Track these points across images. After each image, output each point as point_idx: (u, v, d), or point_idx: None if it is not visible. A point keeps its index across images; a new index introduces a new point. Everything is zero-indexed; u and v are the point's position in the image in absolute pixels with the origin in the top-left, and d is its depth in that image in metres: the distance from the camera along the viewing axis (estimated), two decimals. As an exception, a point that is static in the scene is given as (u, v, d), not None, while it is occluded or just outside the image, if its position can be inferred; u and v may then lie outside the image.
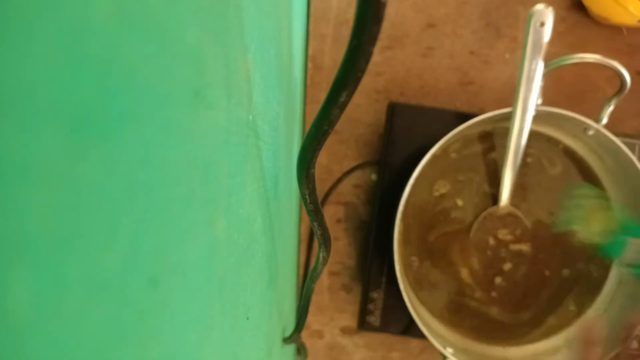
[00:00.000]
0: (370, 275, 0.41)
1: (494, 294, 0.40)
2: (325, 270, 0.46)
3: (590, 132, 0.35)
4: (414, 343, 0.45)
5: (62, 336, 0.08)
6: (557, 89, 0.43)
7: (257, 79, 0.21)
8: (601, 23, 0.43)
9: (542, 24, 0.30)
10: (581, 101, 0.44)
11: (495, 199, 0.39)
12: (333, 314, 0.46)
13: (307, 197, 0.17)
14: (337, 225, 0.45)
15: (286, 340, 0.35)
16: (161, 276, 0.12)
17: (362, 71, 0.11)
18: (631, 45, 0.43)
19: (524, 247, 0.40)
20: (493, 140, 0.39)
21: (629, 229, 0.34)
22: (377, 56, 0.44)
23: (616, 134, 0.34)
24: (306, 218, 0.33)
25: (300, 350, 0.41)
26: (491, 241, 0.40)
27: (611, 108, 0.34)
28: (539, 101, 0.34)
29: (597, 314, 0.39)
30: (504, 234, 0.39)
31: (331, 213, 0.45)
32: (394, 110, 0.40)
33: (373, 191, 0.45)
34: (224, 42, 0.16)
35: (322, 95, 0.27)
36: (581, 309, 0.40)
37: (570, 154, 0.39)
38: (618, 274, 0.39)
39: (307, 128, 0.14)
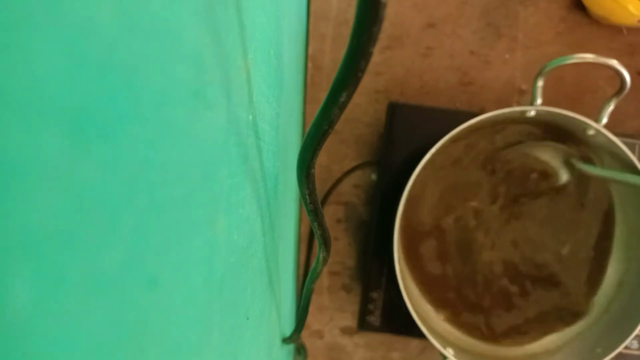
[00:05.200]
0: (370, 275, 0.41)
1: (494, 292, 0.40)
2: (325, 270, 0.46)
3: (590, 132, 0.35)
4: (414, 343, 0.45)
5: (62, 336, 0.08)
6: (557, 89, 0.43)
7: (257, 79, 0.21)
8: (601, 23, 0.43)
9: None
10: (581, 101, 0.44)
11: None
12: (333, 313, 0.46)
13: (307, 197, 0.17)
14: (337, 225, 0.45)
15: (286, 340, 0.35)
16: (161, 276, 0.12)
17: (362, 71, 0.11)
18: (631, 45, 0.43)
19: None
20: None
21: None
22: (377, 56, 0.44)
23: (616, 134, 0.34)
24: (306, 218, 0.33)
25: (300, 350, 0.41)
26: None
27: (611, 108, 0.34)
28: (539, 101, 0.34)
29: (597, 313, 0.39)
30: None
31: (331, 213, 0.45)
32: (394, 110, 0.40)
33: (373, 191, 0.45)
34: (224, 42, 0.16)
35: (322, 95, 0.27)
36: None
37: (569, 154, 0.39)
38: (618, 274, 0.39)
39: (307, 128, 0.14)
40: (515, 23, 0.44)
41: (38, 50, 0.07)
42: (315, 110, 0.13)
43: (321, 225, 0.19)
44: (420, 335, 0.35)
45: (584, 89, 0.44)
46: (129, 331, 0.10)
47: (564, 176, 0.38)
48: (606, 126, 0.34)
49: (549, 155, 0.38)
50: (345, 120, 0.45)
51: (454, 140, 0.34)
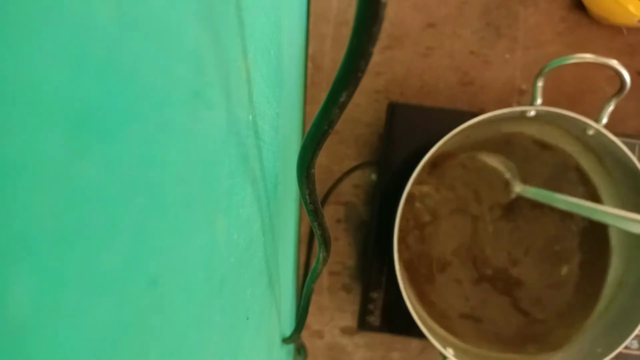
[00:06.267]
0: (370, 275, 0.41)
1: (494, 291, 0.40)
2: (325, 270, 0.46)
3: (590, 132, 0.35)
4: (414, 343, 0.45)
5: (62, 336, 0.08)
6: (557, 89, 0.43)
7: (257, 79, 0.21)
8: (601, 23, 0.43)
9: None
10: (581, 101, 0.44)
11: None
12: (333, 314, 0.46)
13: (307, 197, 0.17)
14: (337, 225, 0.45)
15: (286, 340, 0.35)
16: (161, 276, 0.12)
17: (362, 71, 0.11)
18: (631, 45, 0.43)
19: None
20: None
21: None
22: (377, 56, 0.44)
23: (616, 134, 0.34)
24: (306, 218, 0.33)
25: (300, 350, 0.41)
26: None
27: (611, 108, 0.34)
28: (539, 101, 0.34)
29: (597, 313, 0.39)
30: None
31: (331, 213, 0.45)
32: (394, 110, 0.40)
33: (373, 191, 0.45)
34: (224, 42, 0.16)
35: (322, 96, 0.27)
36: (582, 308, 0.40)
37: (569, 154, 0.39)
38: (618, 274, 0.39)
39: (307, 128, 0.14)
40: (515, 23, 0.44)
41: (38, 50, 0.07)
42: (315, 110, 0.13)
43: (321, 225, 0.19)
44: (420, 335, 0.35)
45: (584, 89, 0.44)
46: (129, 331, 0.10)
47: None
48: (606, 126, 0.34)
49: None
50: (345, 120, 0.45)
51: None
